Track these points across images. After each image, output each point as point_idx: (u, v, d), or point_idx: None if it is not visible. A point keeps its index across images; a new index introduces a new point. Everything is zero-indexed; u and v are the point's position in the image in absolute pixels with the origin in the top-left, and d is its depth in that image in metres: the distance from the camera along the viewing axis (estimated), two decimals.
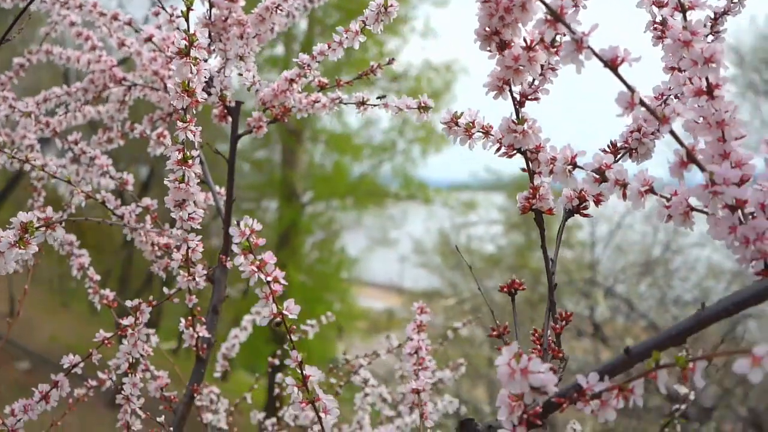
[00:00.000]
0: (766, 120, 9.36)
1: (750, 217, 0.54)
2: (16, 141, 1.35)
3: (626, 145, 0.71)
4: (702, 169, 0.53)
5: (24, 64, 1.35)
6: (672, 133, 0.53)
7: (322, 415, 0.67)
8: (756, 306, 0.51)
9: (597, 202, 0.70)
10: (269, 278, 0.64)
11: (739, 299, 0.51)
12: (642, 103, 0.52)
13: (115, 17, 1.12)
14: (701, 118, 0.56)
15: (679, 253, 7.26)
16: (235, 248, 0.64)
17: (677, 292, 7.30)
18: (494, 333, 0.66)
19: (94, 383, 1.15)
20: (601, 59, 0.52)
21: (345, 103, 1.00)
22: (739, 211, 0.55)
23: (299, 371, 0.67)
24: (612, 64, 0.52)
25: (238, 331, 1.47)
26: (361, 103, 0.98)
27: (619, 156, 0.72)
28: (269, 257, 0.65)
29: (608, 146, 0.72)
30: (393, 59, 1.03)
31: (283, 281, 0.65)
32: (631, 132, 0.71)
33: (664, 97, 0.72)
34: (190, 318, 0.98)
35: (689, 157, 0.53)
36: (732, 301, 0.51)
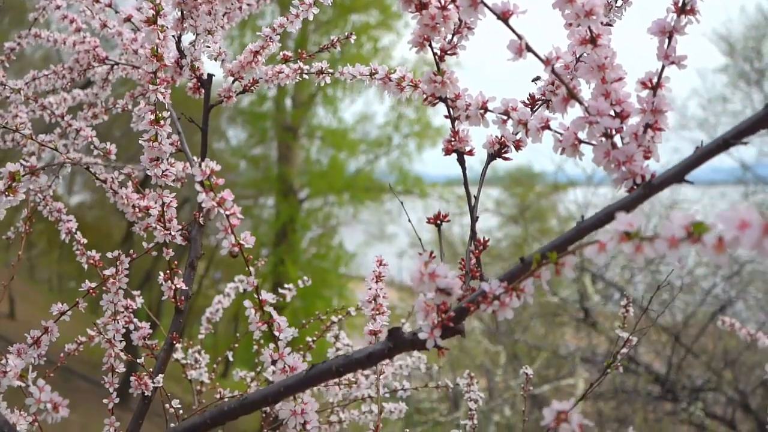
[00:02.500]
0: (757, 109, 9.44)
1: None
2: (9, 121, 1.45)
3: (543, 97, 0.81)
4: (581, 103, 0.63)
5: (14, 47, 1.44)
6: (554, 72, 0.62)
7: (276, 333, 0.76)
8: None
9: (517, 148, 0.80)
10: (228, 212, 0.74)
11: (610, 210, 0.60)
12: (528, 48, 0.62)
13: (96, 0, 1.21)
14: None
15: None
16: (197, 186, 0.73)
17: (670, 278, 7.40)
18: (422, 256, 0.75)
19: (83, 339, 1.25)
20: (494, 12, 0.62)
21: (306, 73, 1.09)
22: (619, 140, 0.65)
23: (256, 296, 0.77)
24: (504, 17, 0.62)
25: (222, 297, 1.56)
26: (320, 72, 1.08)
27: (537, 106, 0.81)
28: (228, 194, 0.74)
29: (527, 98, 0.81)
30: (351, 34, 1.13)
31: (240, 216, 0.74)
32: (548, 85, 0.81)
33: (577, 55, 0.81)
34: (168, 271, 1.08)
35: (570, 94, 0.63)
36: (604, 213, 0.60)
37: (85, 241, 1.25)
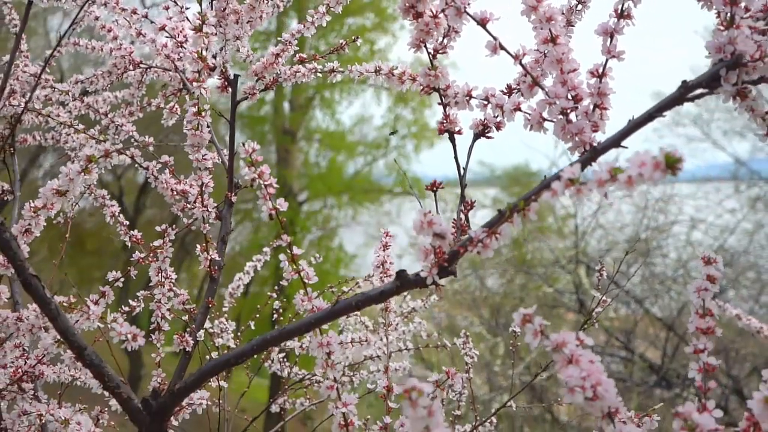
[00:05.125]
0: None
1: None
2: (52, 119, 1.63)
3: (518, 87, 0.99)
4: (542, 89, 0.81)
5: (55, 55, 1.62)
6: (522, 65, 0.80)
7: (306, 280, 0.95)
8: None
9: (498, 128, 0.98)
10: (266, 183, 0.92)
11: (562, 168, 0.78)
12: (501, 47, 0.80)
13: (134, 12, 1.39)
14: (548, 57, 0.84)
15: (664, 232, 7.55)
16: (242, 160, 0.91)
17: (663, 270, 7.60)
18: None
19: (126, 309, 1.43)
20: (475, 20, 0.80)
21: (320, 72, 1.28)
22: (574, 116, 0.83)
23: (289, 251, 0.95)
24: (482, 22, 0.80)
25: (242, 274, 1.74)
26: (332, 71, 1.26)
27: (513, 93, 0.99)
28: (266, 168, 0.92)
29: (505, 87, 0.99)
30: (357, 37, 1.32)
31: (275, 185, 0.92)
32: (521, 76, 0.99)
33: (542, 52, 0.99)
34: (204, 244, 1.26)
35: (534, 82, 0.81)
36: (554, 177, 0.78)
37: (126, 222, 1.43)
